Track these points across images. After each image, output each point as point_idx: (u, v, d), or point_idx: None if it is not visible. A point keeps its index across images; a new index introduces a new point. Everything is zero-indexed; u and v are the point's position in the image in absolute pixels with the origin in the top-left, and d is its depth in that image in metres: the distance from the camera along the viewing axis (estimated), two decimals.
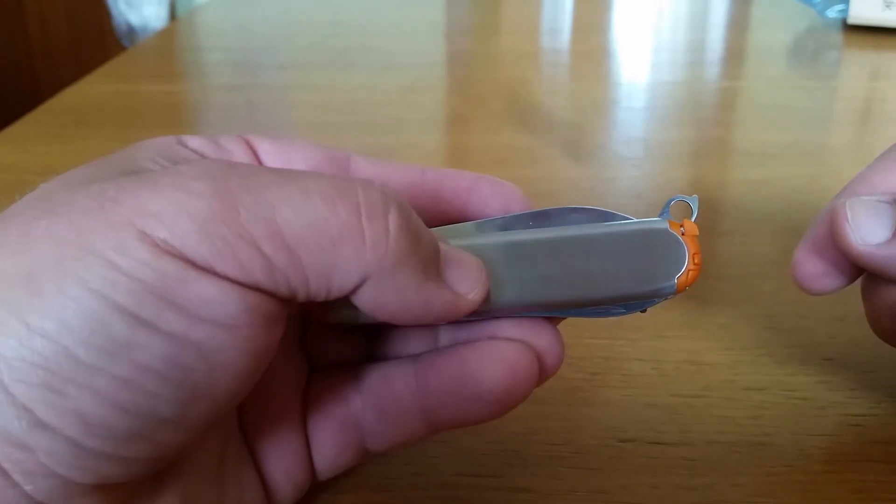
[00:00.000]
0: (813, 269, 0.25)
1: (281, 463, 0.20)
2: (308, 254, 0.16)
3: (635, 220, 0.21)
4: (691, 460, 0.24)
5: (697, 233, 0.20)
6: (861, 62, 0.71)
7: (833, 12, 0.76)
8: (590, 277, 0.20)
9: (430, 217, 0.21)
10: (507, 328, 0.21)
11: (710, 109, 0.60)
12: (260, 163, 0.21)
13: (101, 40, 1.61)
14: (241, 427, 0.20)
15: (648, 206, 0.41)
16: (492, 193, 0.21)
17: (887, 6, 0.73)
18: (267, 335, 0.17)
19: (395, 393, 0.20)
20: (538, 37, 0.83)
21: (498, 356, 0.20)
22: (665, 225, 0.20)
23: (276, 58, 0.72)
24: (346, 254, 0.17)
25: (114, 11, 1.40)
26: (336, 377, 0.21)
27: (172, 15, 1.38)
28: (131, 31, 1.39)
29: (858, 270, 0.25)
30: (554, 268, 0.20)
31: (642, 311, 0.21)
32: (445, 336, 0.21)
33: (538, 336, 0.20)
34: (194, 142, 0.21)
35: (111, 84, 0.62)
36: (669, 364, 0.28)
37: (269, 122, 0.55)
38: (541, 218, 0.21)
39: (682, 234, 0.20)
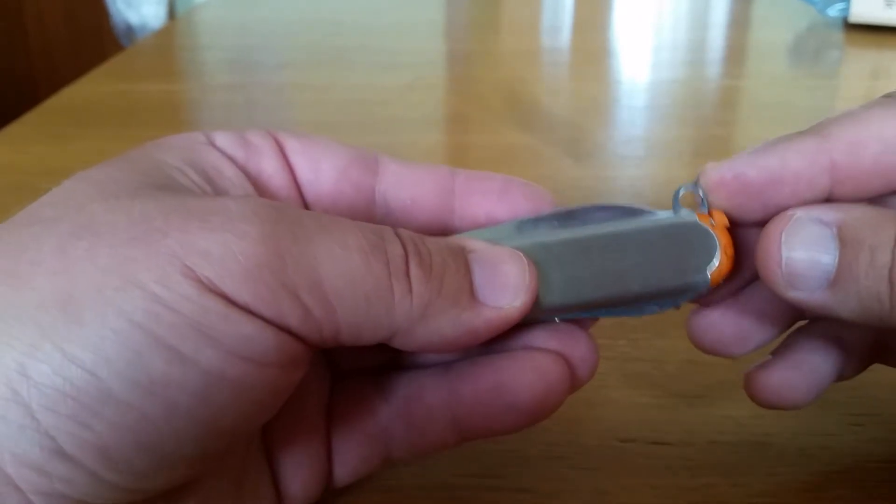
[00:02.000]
0: (727, 329, 0.22)
1: (299, 472, 0.20)
2: (343, 308, 0.16)
3: (663, 214, 0.20)
4: (692, 460, 0.24)
5: (728, 223, 0.20)
6: (862, 61, 0.71)
7: (834, 11, 0.76)
8: (622, 275, 0.20)
9: (460, 219, 0.21)
10: (541, 337, 0.20)
11: (711, 108, 0.60)
12: (287, 161, 0.21)
13: (99, 40, 1.61)
14: (262, 437, 0.20)
15: (649, 205, 0.41)
16: (522, 196, 0.21)
17: (888, 5, 0.72)
18: (293, 375, 0.17)
19: (426, 403, 0.20)
20: (538, 35, 0.83)
21: (533, 367, 0.20)
22: (694, 218, 0.20)
23: (275, 57, 0.71)
24: (377, 310, 0.17)
25: (112, 11, 1.40)
26: (361, 386, 0.21)
27: (171, 14, 1.37)
28: (130, 30, 1.39)
29: (794, 314, 0.22)
30: (585, 268, 0.20)
31: (676, 307, 0.20)
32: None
33: (573, 345, 0.20)
34: (222, 140, 0.20)
35: (110, 83, 0.62)
36: (671, 364, 0.28)
37: (268, 122, 0.55)
38: (567, 217, 0.21)
39: (713, 226, 0.20)
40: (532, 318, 0.20)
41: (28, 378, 0.14)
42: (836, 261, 0.18)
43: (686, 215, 0.20)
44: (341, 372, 0.22)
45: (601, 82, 0.65)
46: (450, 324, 0.18)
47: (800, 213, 0.19)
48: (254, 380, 0.16)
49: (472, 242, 0.19)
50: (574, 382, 0.20)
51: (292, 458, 0.20)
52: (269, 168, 0.21)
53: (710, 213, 0.20)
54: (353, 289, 0.16)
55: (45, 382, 0.14)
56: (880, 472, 0.23)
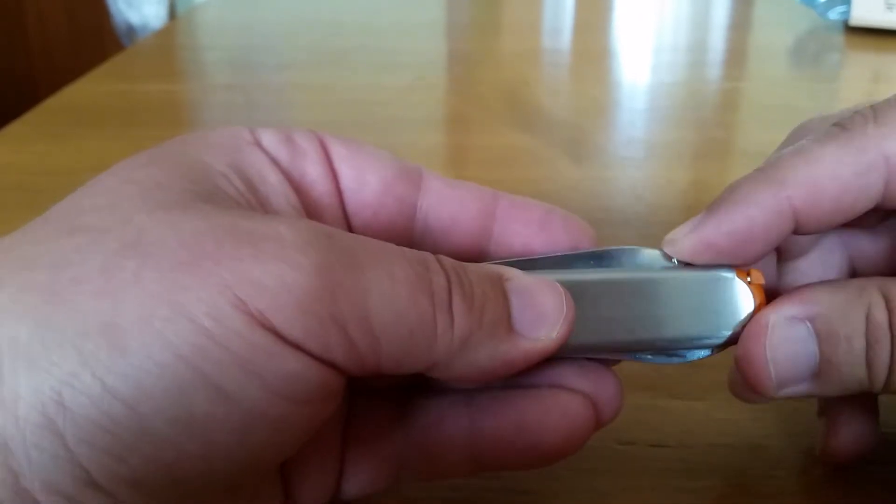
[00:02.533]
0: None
1: (309, 486, 0.20)
2: (388, 342, 0.16)
3: (701, 266, 0.20)
4: (692, 463, 0.24)
5: (763, 282, 0.20)
6: (863, 64, 0.71)
7: (835, 14, 0.76)
8: (655, 321, 0.20)
9: (496, 245, 0.21)
10: (569, 375, 0.20)
11: (712, 110, 0.60)
12: (332, 168, 0.20)
13: (100, 39, 1.61)
14: None
15: (649, 207, 0.41)
16: (563, 228, 0.21)
17: (889, 8, 0.72)
18: (328, 408, 0.17)
19: (445, 432, 0.20)
20: (539, 37, 0.83)
21: (559, 408, 0.19)
22: (732, 273, 0.20)
23: (275, 57, 0.71)
24: (419, 344, 0.17)
25: (113, 10, 1.40)
26: (381, 408, 0.21)
27: (172, 14, 1.37)
28: (131, 30, 1.38)
29: None
30: (619, 309, 0.20)
31: (699, 358, 0.21)
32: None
33: (601, 387, 0.20)
34: (267, 139, 0.20)
35: (110, 83, 0.62)
36: (670, 367, 0.28)
37: (268, 122, 0.54)
38: (602, 256, 0.21)
39: (749, 283, 0.20)
40: (561, 355, 0.20)
41: (65, 408, 0.14)
42: (818, 357, 0.19)
43: (724, 270, 0.20)
44: (362, 390, 0.21)
45: (602, 84, 0.65)
46: (487, 355, 0.17)
47: (773, 317, 0.19)
48: (293, 417, 0.15)
49: (509, 271, 0.19)
50: (597, 424, 0.20)
51: (305, 472, 0.20)
52: (312, 173, 0.20)
53: (748, 272, 0.20)
54: (399, 322, 0.16)
55: (83, 414, 0.14)
56: (880, 474, 0.23)
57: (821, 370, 0.19)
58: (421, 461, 0.20)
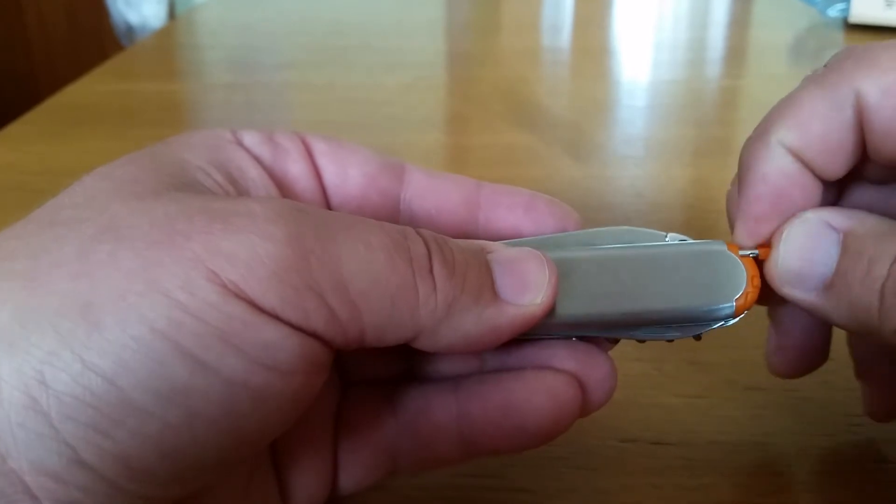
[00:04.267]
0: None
1: (305, 479, 0.20)
2: (368, 309, 0.16)
3: (692, 241, 0.20)
4: (692, 460, 0.24)
5: (758, 254, 0.20)
6: None
7: (834, 11, 0.76)
8: (644, 295, 0.20)
9: (485, 232, 0.21)
10: (558, 357, 0.20)
11: (712, 108, 0.60)
12: (315, 164, 0.21)
13: (99, 39, 1.61)
14: (270, 444, 0.20)
15: (649, 205, 0.41)
16: (548, 212, 0.21)
17: (888, 5, 0.72)
18: (315, 381, 0.17)
19: (434, 419, 0.20)
20: (539, 35, 0.83)
21: (544, 388, 0.19)
22: (723, 246, 0.20)
23: (274, 57, 0.71)
24: (401, 310, 0.17)
25: (112, 10, 1.40)
26: (371, 398, 0.21)
27: (171, 14, 1.37)
28: (130, 30, 1.38)
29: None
30: (607, 284, 0.20)
31: (696, 338, 0.20)
32: (492, 360, 0.21)
33: (591, 366, 0.20)
34: (249, 139, 0.20)
35: (110, 83, 0.62)
36: (671, 364, 0.28)
37: (268, 121, 0.55)
38: (592, 236, 0.21)
39: (740, 255, 0.20)
40: (551, 333, 0.20)
41: (47, 386, 0.14)
42: (834, 267, 0.18)
43: (715, 244, 0.20)
44: (351, 381, 0.21)
45: (601, 82, 0.65)
46: (473, 322, 0.17)
47: (810, 213, 0.19)
48: (277, 388, 0.15)
49: (491, 244, 0.19)
50: (588, 405, 0.20)
51: (299, 465, 0.20)
52: (295, 170, 0.20)
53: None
54: (377, 289, 0.16)
55: (65, 391, 0.14)
56: (880, 473, 0.23)
57: (833, 282, 0.18)
58: (413, 449, 0.20)
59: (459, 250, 0.18)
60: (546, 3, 0.95)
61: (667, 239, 0.21)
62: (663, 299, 0.20)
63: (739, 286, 0.20)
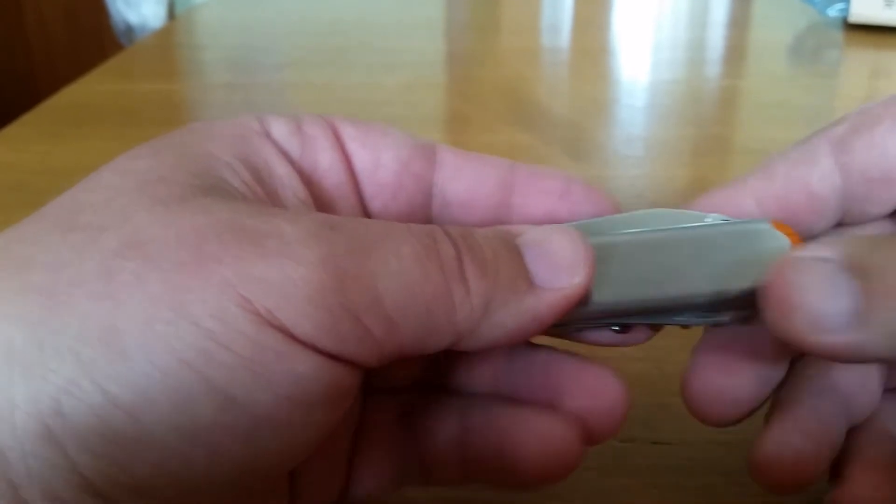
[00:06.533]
0: (720, 383, 0.20)
1: (317, 490, 0.19)
2: (405, 323, 0.16)
3: (735, 220, 0.20)
4: (692, 460, 0.24)
5: (797, 236, 0.19)
6: (862, 61, 0.70)
7: (834, 11, 0.76)
8: (691, 278, 0.19)
9: (518, 216, 0.20)
10: (569, 386, 0.19)
11: (711, 108, 0.60)
12: (345, 151, 0.20)
13: (99, 39, 1.61)
14: None
15: (649, 205, 0.41)
16: (585, 197, 0.20)
17: (888, 5, 0.72)
18: (339, 411, 0.16)
19: (439, 439, 0.20)
20: (538, 35, 0.83)
21: (537, 433, 0.19)
22: (767, 224, 0.19)
23: (274, 56, 0.71)
24: (438, 319, 0.16)
25: (112, 10, 1.40)
26: (386, 409, 0.20)
27: (171, 14, 1.37)
28: (130, 29, 1.38)
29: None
30: (654, 268, 0.19)
31: (744, 322, 0.19)
32: (505, 377, 0.20)
33: (601, 396, 0.19)
34: (277, 129, 0.19)
35: (110, 83, 0.62)
36: (671, 364, 0.28)
37: None
38: (628, 221, 0.20)
39: (785, 233, 0.19)
40: (595, 320, 0.19)
41: (64, 416, 0.13)
42: (857, 294, 0.16)
43: (759, 222, 0.19)
44: (372, 389, 0.21)
45: (601, 81, 0.65)
46: (512, 315, 0.17)
47: (798, 253, 0.17)
48: (302, 421, 0.15)
49: (519, 227, 0.18)
50: (592, 438, 0.19)
51: (314, 474, 0.19)
52: (324, 162, 0.20)
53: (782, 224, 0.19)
54: (412, 301, 0.16)
55: (82, 422, 0.13)
56: None
57: (861, 310, 0.16)
58: (418, 465, 0.20)
59: (488, 243, 0.17)
60: (546, 2, 0.95)
61: (708, 220, 0.20)
62: (708, 281, 0.19)
63: None
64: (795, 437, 0.19)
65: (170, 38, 0.81)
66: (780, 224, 0.19)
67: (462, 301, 0.16)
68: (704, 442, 0.24)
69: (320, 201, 0.20)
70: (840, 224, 0.21)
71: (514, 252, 0.17)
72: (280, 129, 0.19)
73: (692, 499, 0.22)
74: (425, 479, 0.20)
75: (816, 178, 0.20)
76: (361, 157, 0.20)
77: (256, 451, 0.15)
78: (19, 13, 1.67)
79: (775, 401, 0.20)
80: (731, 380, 0.19)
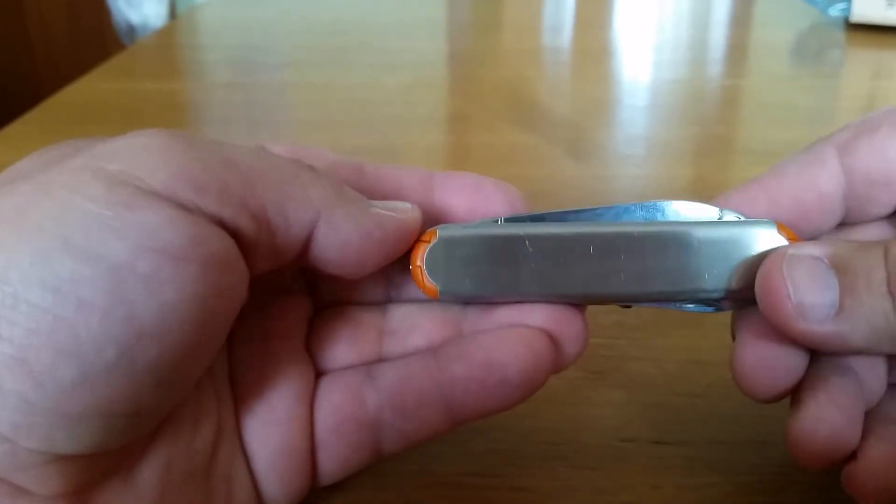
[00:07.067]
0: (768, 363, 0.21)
1: (278, 468, 0.20)
2: (261, 183, 0.17)
3: (744, 221, 0.21)
4: (693, 460, 0.24)
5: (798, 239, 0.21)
6: (864, 61, 0.70)
7: (836, 10, 0.76)
8: (696, 273, 0.20)
9: (440, 213, 0.22)
10: (532, 316, 0.21)
11: (713, 108, 0.60)
12: None
13: (101, 39, 1.61)
14: (238, 431, 0.20)
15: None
16: (495, 192, 0.22)
17: (890, 5, 0.72)
18: (220, 277, 0.16)
19: (417, 386, 0.20)
20: (539, 35, 0.83)
21: (521, 341, 0.20)
22: (773, 227, 0.21)
23: (275, 56, 0.72)
24: (294, 190, 0.18)
25: (114, 10, 1.40)
26: (348, 378, 0.21)
27: (172, 13, 1.37)
28: (131, 29, 1.38)
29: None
30: (663, 261, 0.20)
31: (739, 307, 0.21)
32: (469, 325, 0.22)
33: (564, 323, 0.21)
34: None
35: (111, 82, 0.62)
36: (671, 363, 0.28)
37: (268, 121, 0.55)
38: (648, 209, 0.22)
39: (786, 237, 0.21)
40: (601, 302, 0.21)
41: None
42: (838, 289, 0.19)
43: (764, 223, 0.21)
44: (327, 370, 0.21)
45: (602, 81, 0.65)
46: (362, 213, 0.19)
47: (791, 250, 0.20)
48: (169, 275, 0.15)
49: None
50: (562, 359, 0.21)
51: (270, 452, 0.20)
52: None
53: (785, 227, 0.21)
54: (266, 170, 0.18)
55: None
56: None
57: (843, 304, 0.19)
58: (396, 422, 0.20)
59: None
60: (547, 2, 0.95)
61: (723, 216, 0.21)
62: (715, 278, 0.20)
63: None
64: (830, 410, 0.20)
65: (171, 38, 0.81)
66: (783, 226, 0.21)
67: (313, 181, 0.18)
68: (705, 441, 0.24)
69: None
70: (842, 224, 0.22)
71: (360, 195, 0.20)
72: None
73: (693, 498, 0.22)
74: (405, 439, 0.21)
75: (824, 178, 0.21)
76: None
77: (129, 307, 0.15)
78: (21, 12, 1.67)
79: (803, 380, 0.21)
80: (779, 351, 0.20)
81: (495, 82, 0.63)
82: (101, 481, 0.17)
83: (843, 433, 0.20)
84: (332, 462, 0.21)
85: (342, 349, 0.21)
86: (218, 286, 0.16)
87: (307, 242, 0.18)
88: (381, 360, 0.22)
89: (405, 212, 0.20)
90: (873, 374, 0.21)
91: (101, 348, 0.15)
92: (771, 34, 0.80)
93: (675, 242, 0.20)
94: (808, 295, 0.19)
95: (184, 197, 0.16)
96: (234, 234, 0.17)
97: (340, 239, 0.19)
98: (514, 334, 0.20)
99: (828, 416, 0.20)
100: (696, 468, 0.23)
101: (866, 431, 0.20)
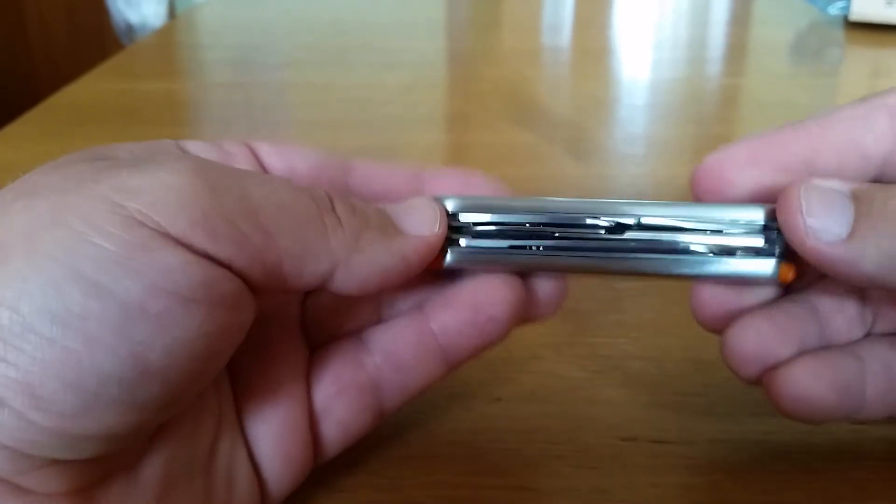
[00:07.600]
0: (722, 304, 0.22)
1: (281, 448, 0.20)
2: (281, 234, 0.17)
3: (730, 204, 0.21)
4: (693, 459, 0.24)
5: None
6: (863, 59, 0.70)
7: (835, 9, 0.76)
8: (689, 260, 0.21)
9: None
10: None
11: (712, 106, 0.60)
12: (262, 164, 0.22)
13: (100, 38, 1.61)
14: (239, 419, 0.20)
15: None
16: (485, 183, 0.23)
17: (889, 3, 0.72)
18: (227, 317, 0.17)
19: (411, 340, 0.21)
20: (539, 34, 0.83)
21: (502, 281, 0.21)
22: (773, 268, 0.21)
23: (275, 56, 0.72)
24: (313, 238, 0.18)
25: (113, 10, 1.40)
26: (341, 347, 0.22)
27: (171, 13, 1.37)
28: (130, 29, 1.38)
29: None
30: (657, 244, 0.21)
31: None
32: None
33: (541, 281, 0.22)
34: (193, 146, 0.20)
35: (110, 82, 0.62)
36: (671, 362, 0.28)
37: (268, 121, 0.55)
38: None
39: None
40: (602, 273, 0.22)
41: None
42: (852, 213, 0.19)
43: (759, 207, 0.21)
44: (320, 344, 0.22)
45: (602, 81, 0.65)
46: (383, 252, 0.19)
47: (815, 181, 0.20)
48: (179, 315, 0.15)
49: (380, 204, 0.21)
50: (540, 309, 0.22)
51: (270, 431, 0.20)
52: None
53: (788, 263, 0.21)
54: (287, 215, 0.17)
55: None
56: (882, 471, 0.23)
57: (856, 227, 0.19)
58: (395, 377, 0.21)
59: (356, 200, 0.19)
60: (546, 1, 0.95)
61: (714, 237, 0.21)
62: (707, 265, 0.21)
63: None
64: (762, 321, 0.21)
65: (170, 38, 0.81)
66: (789, 266, 0.21)
67: (334, 227, 0.18)
68: (705, 440, 0.24)
69: None
70: (875, 180, 0.21)
71: (380, 210, 0.20)
72: (196, 146, 0.21)
73: (694, 497, 0.22)
74: (405, 392, 0.21)
75: (870, 139, 0.21)
76: (276, 168, 0.22)
77: (135, 345, 0.15)
78: (20, 13, 1.67)
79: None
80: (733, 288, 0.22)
81: (495, 82, 0.63)
82: (104, 479, 0.17)
83: (769, 343, 0.21)
84: (335, 432, 0.21)
85: (335, 323, 0.22)
86: (225, 325, 0.17)
87: (321, 284, 0.19)
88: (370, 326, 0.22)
89: (429, 222, 0.20)
90: (840, 313, 0.22)
91: (105, 383, 0.15)
92: (770, 33, 0.80)
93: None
94: (821, 215, 0.19)
95: (199, 246, 0.16)
96: (244, 279, 0.17)
97: (360, 279, 0.19)
98: (493, 279, 0.21)
99: (757, 325, 0.21)
100: (696, 467, 0.23)
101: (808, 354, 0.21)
